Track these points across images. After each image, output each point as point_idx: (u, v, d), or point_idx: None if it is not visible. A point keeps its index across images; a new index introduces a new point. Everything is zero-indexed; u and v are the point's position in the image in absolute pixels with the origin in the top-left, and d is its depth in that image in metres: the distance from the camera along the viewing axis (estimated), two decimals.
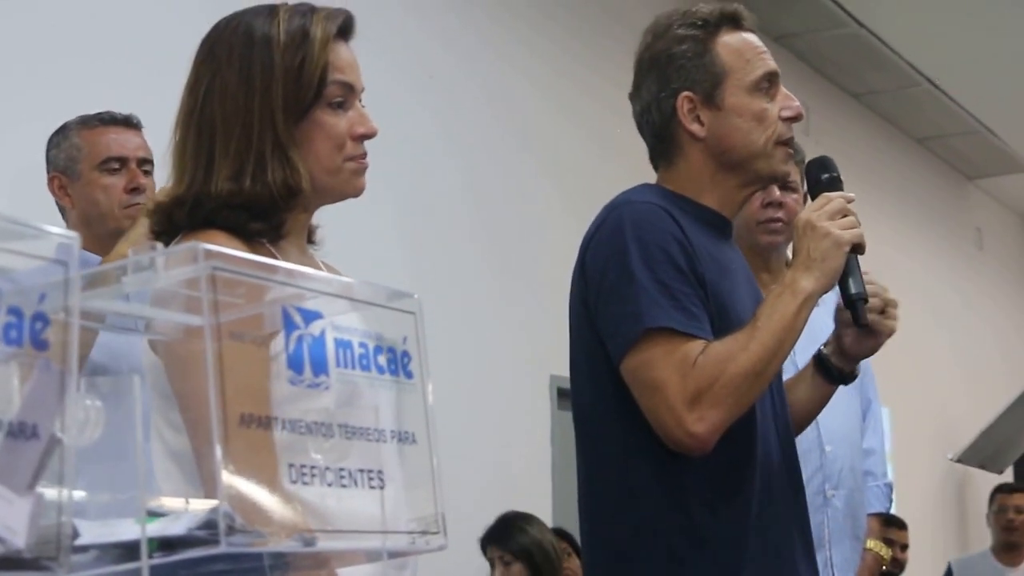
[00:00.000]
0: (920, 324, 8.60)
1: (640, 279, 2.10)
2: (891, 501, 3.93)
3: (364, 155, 1.81)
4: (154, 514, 1.03)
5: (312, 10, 1.79)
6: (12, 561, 0.91)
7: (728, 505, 2.15)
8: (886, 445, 3.95)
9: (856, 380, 2.42)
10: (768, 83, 2.24)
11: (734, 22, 2.27)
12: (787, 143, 2.24)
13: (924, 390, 8.44)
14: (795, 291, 2.10)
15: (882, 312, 2.25)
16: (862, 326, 2.22)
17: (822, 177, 2.27)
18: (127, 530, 1.01)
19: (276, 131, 1.73)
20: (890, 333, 2.28)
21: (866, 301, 2.19)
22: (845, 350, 2.31)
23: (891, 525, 5.62)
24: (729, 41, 2.25)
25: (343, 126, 1.78)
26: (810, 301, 2.10)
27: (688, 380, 2.05)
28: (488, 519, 4.55)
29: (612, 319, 2.13)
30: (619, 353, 2.11)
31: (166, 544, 1.01)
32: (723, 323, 2.12)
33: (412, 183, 4.71)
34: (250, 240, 1.72)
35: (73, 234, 1.00)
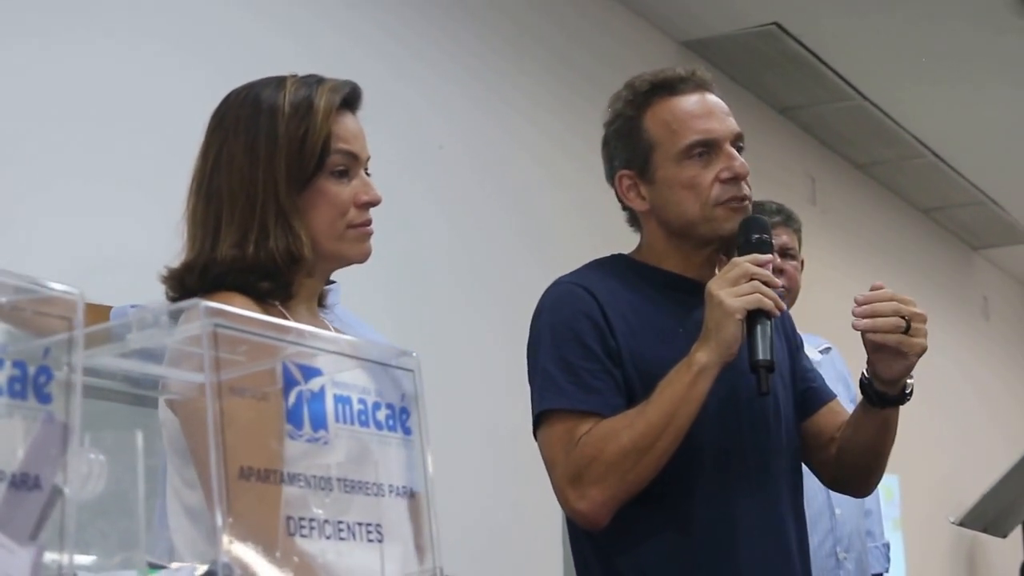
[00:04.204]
0: (928, 392, 8.53)
1: (542, 362, 2.18)
2: (889, 561, 3.92)
3: (368, 222, 1.86)
4: (155, 567, 1.04)
5: (319, 81, 1.85)
6: None
7: None
8: (895, 512, 3.93)
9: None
10: (702, 148, 2.20)
11: (668, 89, 2.24)
12: (731, 201, 2.18)
13: (933, 456, 8.38)
14: (691, 364, 2.06)
15: (907, 331, 2.10)
16: (762, 394, 2.08)
17: (751, 238, 2.16)
18: None
19: (279, 199, 1.78)
20: (918, 352, 2.12)
21: (769, 369, 2.06)
22: (878, 374, 2.18)
23: None
24: (658, 112, 2.23)
25: (346, 194, 1.83)
26: (706, 372, 2.05)
27: (570, 459, 2.11)
28: None
29: (530, 402, 2.22)
30: (533, 434, 2.20)
31: None
32: (649, 390, 2.10)
33: (404, 255, 4.67)
34: (262, 300, 1.77)
35: (76, 291, 1.02)
